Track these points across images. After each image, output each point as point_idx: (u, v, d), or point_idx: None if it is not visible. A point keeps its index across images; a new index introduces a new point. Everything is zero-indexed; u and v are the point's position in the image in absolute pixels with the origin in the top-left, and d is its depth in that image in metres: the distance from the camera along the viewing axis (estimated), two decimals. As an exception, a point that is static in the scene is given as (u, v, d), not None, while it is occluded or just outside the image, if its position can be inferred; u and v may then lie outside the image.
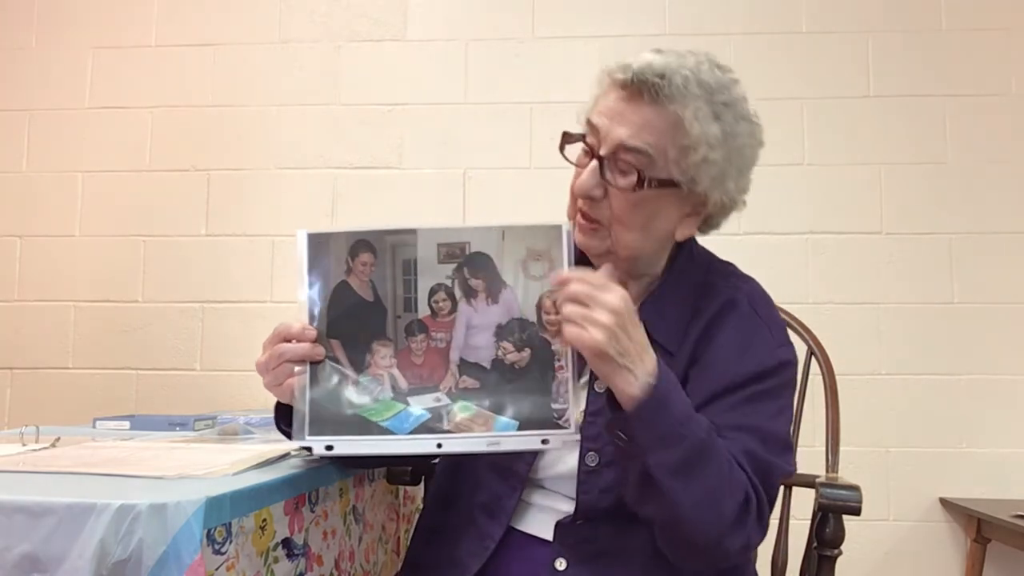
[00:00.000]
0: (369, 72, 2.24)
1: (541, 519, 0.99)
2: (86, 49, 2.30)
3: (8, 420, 2.21)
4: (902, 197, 2.11)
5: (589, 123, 0.95)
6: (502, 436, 0.86)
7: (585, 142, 0.95)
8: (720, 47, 2.17)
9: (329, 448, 0.87)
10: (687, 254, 1.03)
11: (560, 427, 0.85)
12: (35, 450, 1.06)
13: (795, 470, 0.98)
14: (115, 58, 2.29)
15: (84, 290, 2.23)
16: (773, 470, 0.90)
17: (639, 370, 0.82)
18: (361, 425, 0.87)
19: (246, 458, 0.98)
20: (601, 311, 0.80)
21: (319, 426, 0.88)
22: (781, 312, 1.46)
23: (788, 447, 0.95)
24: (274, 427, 1.35)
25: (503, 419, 0.86)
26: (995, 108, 2.11)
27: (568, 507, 0.97)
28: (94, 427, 1.47)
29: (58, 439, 1.16)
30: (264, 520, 0.85)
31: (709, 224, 1.02)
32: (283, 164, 2.23)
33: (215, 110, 2.26)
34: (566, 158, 0.97)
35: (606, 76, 0.95)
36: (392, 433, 0.87)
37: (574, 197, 0.95)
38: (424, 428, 0.87)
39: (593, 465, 0.94)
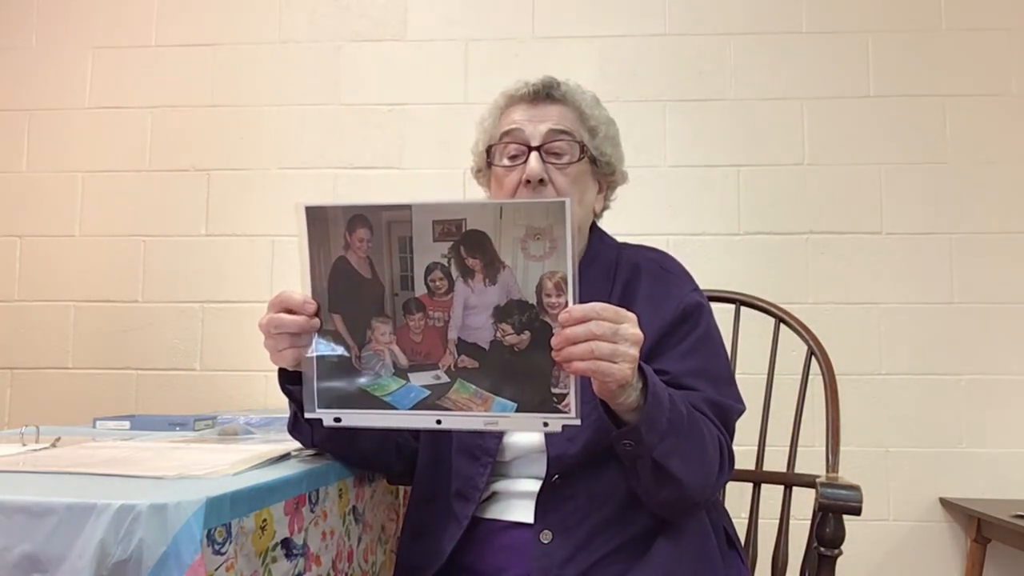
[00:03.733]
0: (369, 72, 2.24)
1: (518, 504, 1.06)
2: (86, 49, 2.30)
3: (8, 420, 2.21)
4: (902, 197, 2.11)
5: (505, 133, 1.10)
6: (500, 416, 0.86)
7: (509, 144, 1.09)
8: (720, 47, 2.18)
9: (337, 420, 0.90)
10: (599, 238, 1.18)
11: (560, 411, 0.84)
12: (35, 450, 1.06)
13: (744, 407, 1.08)
14: (115, 58, 2.29)
15: (84, 290, 2.23)
16: (730, 412, 1.04)
17: (636, 381, 0.88)
18: (365, 399, 0.89)
19: (246, 458, 0.98)
20: (628, 345, 0.83)
21: (327, 399, 0.90)
22: (781, 312, 1.48)
23: (733, 382, 1.09)
24: (274, 427, 1.37)
25: (501, 400, 0.86)
26: (995, 108, 2.11)
27: (539, 486, 1.03)
28: (94, 427, 1.47)
29: (58, 439, 1.16)
30: (264, 520, 0.85)
31: (607, 199, 1.20)
32: (283, 164, 2.23)
33: (215, 110, 2.26)
34: (492, 166, 1.13)
35: (503, 98, 1.14)
36: (394, 408, 0.89)
37: (513, 191, 1.08)
38: (424, 404, 0.88)
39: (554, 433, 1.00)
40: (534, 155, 1.07)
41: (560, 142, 1.08)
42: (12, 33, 2.32)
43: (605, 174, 1.16)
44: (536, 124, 1.08)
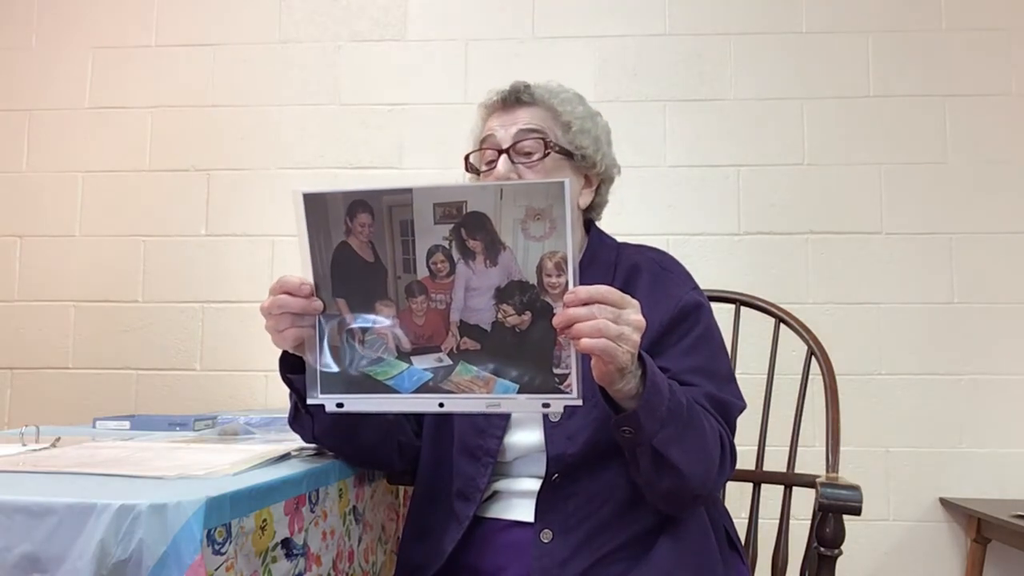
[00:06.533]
0: (369, 72, 2.24)
1: (519, 503, 1.06)
2: (86, 49, 2.30)
3: (8, 420, 2.21)
4: (902, 197, 2.11)
5: (482, 141, 1.14)
6: (502, 398, 0.86)
7: (486, 150, 1.13)
8: (720, 47, 2.18)
9: (340, 405, 0.90)
10: (598, 238, 1.18)
11: (561, 392, 0.84)
12: (35, 450, 1.06)
13: (745, 404, 1.08)
14: (115, 58, 2.29)
15: (84, 290, 2.23)
16: (731, 408, 1.05)
17: (635, 367, 0.88)
18: (368, 384, 0.90)
19: (246, 458, 0.98)
20: (631, 330, 0.84)
21: (330, 384, 0.90)
22: (781, 312, 1.48)
23: (733, 379, 1.09)
24: (274, 427, 1.37)
25: (504, 382, 0.86)
26: (995, 108, 2.11)
27: (539, 486, 1.04)
28: (94, 427, 1.47)
29: (58, 439, 1.16)
30: (264, 520, 0.85)
31: (600, 195, 1.20)
32: (283, 164, 2.23)
33: (215, 110, 2.26)
34: (471, 170, 1.17)
35: (480, 109, 1.18)
36: (396, 392, 0.89)
37: None
38: (426, 388, 0.88)
39: (555, 419, 1.03)
40: (502, 157, 1.09)
41: (528, 141, 1.10)
42: (12, 33, 2.32)
43: (587, 168, 1.16)
44: (507, 128, 1.11)
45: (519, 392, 0.86)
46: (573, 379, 0.84)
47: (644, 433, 0.89)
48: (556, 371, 0.84)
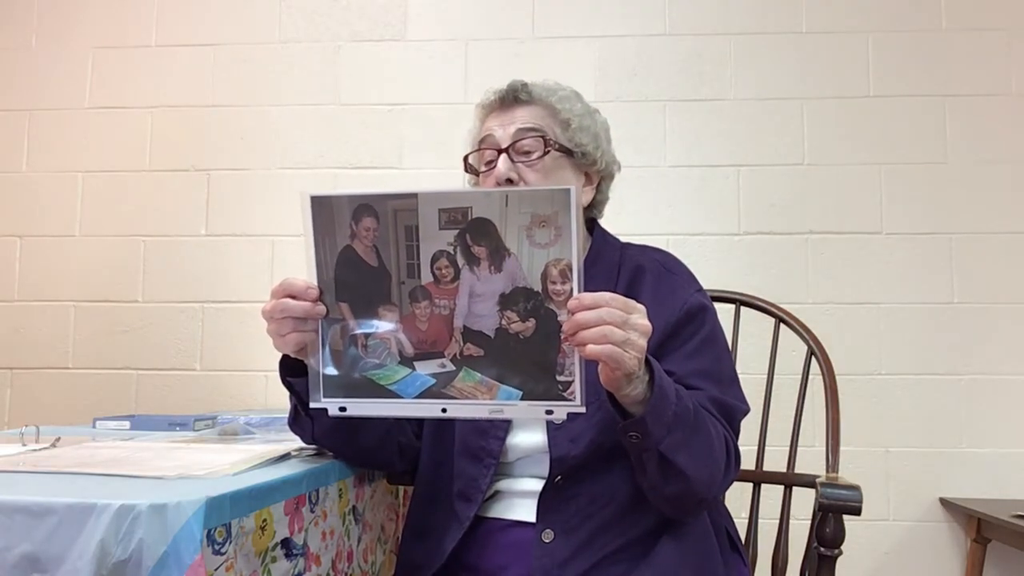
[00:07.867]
0: (369, 72, 2.24)
1: (520, 503, 1.06)
2: (86, 49, 2.30)
3: (8, 420, 2.21)
4: (902, 197, 2.11)
5: (480, 141, 1.13)
6: (505, 404, 0.86)
7: (484, 150, 1.12)
8: (720, 47, 2.18)
9: (343, 409, 0.90)
10: (602, 238, 1.18)
11: (565, 399, 0.84)
12: (35, 450, 1.06)
13: (749, 407, 1.09)
14: (115, 58, 2.29)
15: (84, 290, 2.23)
16: (735, 412, 1.05)
17: (642, 372, 0.88)
18: (370, 388, 0.89)
19: (246, 458, 0.98)
20: (637, 335, 0.84)
21: (332, 388, 0.90)
22: (781, 312, 1.48)
23: (737, 382, 1.09)
24: (274, 427, 1.37)
25: (507, 388, 0.86)
26: (995, 108, 2.11)
27: (542, 486, 1.04)
28: (94, 427, 1.47)
29: (58, 439, 1.16)
30: (264, 520, 0.85)
31: (600, 192, 1.19)
32: (283, 164, 2.23)
33: (215, 110, 2.26)
34: (471, 171, 1.17)
35: (478, 109, 1.17)
36: (400, 397, 0.89)
37: None
38: (430, 393, 0.88)
39: (558, 422, 1.03)
40: (502, 157, 1.09)
41: (527, 140, 1.09)
42: (12, 33, 2.32)
43: (587, 165, 1.15)
44: (506, 127, 1.10)
45: (522, 399, 0.86)
46: (577, 386, 0.84)
47: (651, 438, 0.89)
48: (560, 378, 0.84)
